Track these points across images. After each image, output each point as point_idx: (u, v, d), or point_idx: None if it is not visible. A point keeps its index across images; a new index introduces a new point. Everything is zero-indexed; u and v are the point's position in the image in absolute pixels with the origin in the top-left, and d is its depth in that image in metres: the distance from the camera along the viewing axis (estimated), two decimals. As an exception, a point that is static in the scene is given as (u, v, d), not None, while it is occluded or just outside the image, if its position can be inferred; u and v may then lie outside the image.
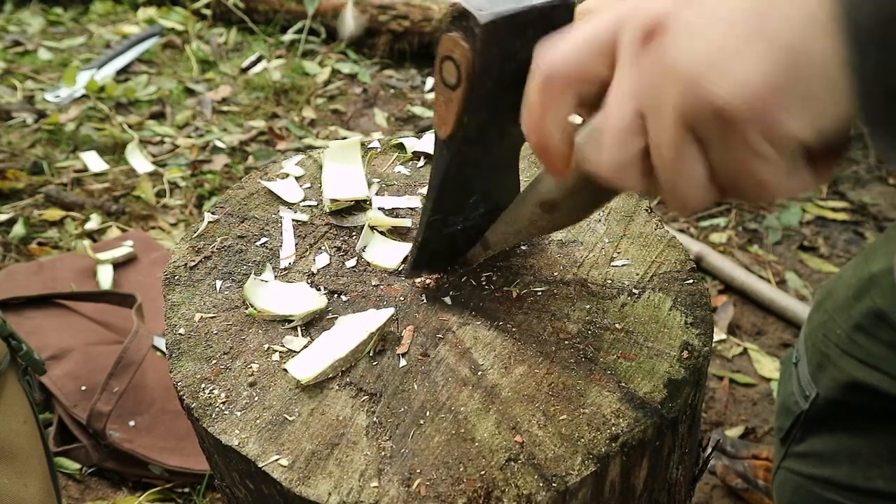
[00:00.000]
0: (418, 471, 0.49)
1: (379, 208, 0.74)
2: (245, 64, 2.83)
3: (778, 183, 0.38)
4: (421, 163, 0.81)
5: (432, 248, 0.63)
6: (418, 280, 0.65)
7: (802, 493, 0.93)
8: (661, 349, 0.58)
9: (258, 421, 0.53)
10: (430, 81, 2.82)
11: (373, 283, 0.65)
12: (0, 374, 0.84)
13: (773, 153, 0.37)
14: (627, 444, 0.51)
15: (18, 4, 3.28)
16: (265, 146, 2.36)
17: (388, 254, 0.68)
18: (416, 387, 0.55)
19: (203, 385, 0.56)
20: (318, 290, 0.64)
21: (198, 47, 2.93)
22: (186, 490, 1.35)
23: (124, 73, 2.77)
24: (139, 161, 2.21)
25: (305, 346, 0.58)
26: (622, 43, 0.40)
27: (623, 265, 0.66)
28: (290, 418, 0.53)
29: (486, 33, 0.47)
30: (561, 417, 0.53)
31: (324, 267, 0.67)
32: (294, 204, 0.75)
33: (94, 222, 1.96)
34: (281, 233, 0.71)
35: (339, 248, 0.69)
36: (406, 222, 0.71)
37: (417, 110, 2.64)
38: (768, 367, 1.68)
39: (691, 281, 0.65)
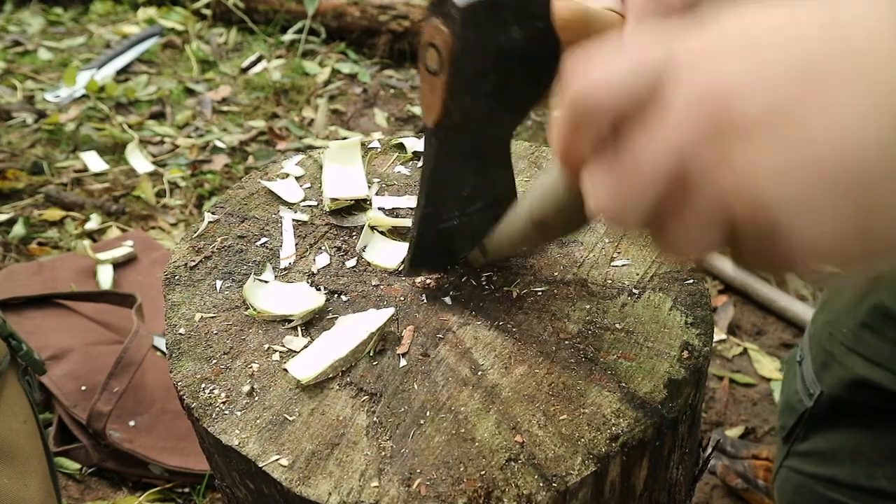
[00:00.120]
0: (418, 471, 0.49)
1: (379, 208, 0.74)
2: (245, 64, 2.83)
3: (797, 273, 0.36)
4: (421, 163, 0.81)
5: (429, 246, 0.63)
6: (418, 280, 0.65)
7: (804, 493, 0.93)
8: (662, 349, 0.58)
9: (258, 421, 0.53)
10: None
11: (373, 283, 0.65)
12: (0, 374, 0.84)
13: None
14: (627, 444, 0.51)
15: (18, 4, 3.28)
16: (265, 146, 2.36)
17: (389, 254, 0.68)
18: (416, 387, 0.55)
19: (203, 385, 0.56)
20: (318, 290, 0.64)
21: (198, 47, 2.93)
22: (186, 490, 1.35)
23: (124, 73, 2.77)
24: (139, 161, 2.21)
25: (305, 346, 0.58)
26: (679, 93, 0.34)
27: (623, 265, 0.66)
28: (291, 418, 0.53)
29: (465, 18, 0.49)
30: (561, 417, 0.53)
31: (324, 267, 0.67)
32: (294, 204, 0.75)
33: (94, 222, 1.96)
34: (281, 233, 0.71)
35: (339, 248, 0.69)
36: (406, 222, 0.71)
37: (417, 110, 2.64)
38: (768, 367, 1.68)
39: (691, 281, 0.65)
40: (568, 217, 0.50)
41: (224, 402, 0.54)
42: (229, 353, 0.59)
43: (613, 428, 0.52)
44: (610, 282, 0.65)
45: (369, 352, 0.58)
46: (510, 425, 0.52)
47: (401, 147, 0.84)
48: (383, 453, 0.51)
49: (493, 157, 0.62)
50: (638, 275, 0.65)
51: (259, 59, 2.86)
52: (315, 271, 0.66)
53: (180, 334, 0.60)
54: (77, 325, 1.52)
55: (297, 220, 0.72)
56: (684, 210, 0.36)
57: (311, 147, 2.32)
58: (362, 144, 0.83)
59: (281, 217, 0.73)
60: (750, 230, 0.34)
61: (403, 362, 0.57)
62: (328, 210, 0.73)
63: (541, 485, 0.49)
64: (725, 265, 1.86)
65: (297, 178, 0.78)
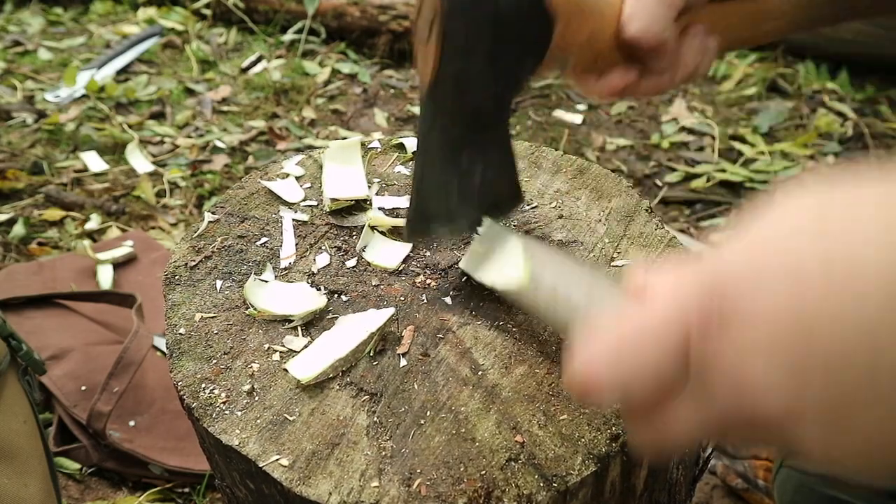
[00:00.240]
0: (419, 471, 0.49)
1: (379, 208, 0.74)
2: (245, 64, 2.83)
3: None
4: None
5: (427, 208, 0.62)
6: (419, 280, 0.65)
7: (805, 492, 0.93)
8: (662, 349, 0.57)
9: (258, 421, 0.53)
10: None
11: (373, 283, 0.65)
12: (0, 374, 0.84)
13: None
14: (628, 444, 0.51)
15: (18, 4, 3.27)
16: (265, 146, 2.36)
17: (389, 254, 0.68)
18: (416, 387, 0.55)
19: (203, 385, 0.56)
20: (319, 289, 0.64)
21: (198, 47, 2.93)
22: (186, 490, 1.35)
23: (124, 73, 2.77)
24: (139, 161, 2.21)
25: (306, 346, 0.58)
26: (711, 385, 0.33)
27: (623, 265, 0.66)
28: (291, 418, 0.53)
29: None
30: (561, 417, 0.53)
31: (324, 267, 0.67)
32: (294, 204, 0.75)
33: (94, 222, 1.96)
34: (281, 233, 0.71)
35: (339, 248, 0.69)
36: (406, 222, 0.71)
37: (417, 110, 2.64)
38: (768, 367, 1.68)
39: (692, 281, 0.64)
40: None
41: (224, 402, 0.54)
42: (229, 353, 0.59)
43: (614, 428, 0.52)
44: (610, 282, 0.65)
45: (369, 352, 0.58)
46: (510, 425, 0.52)
47: (401, 147, 0.84)
48: (383, 453, 0.51)
49: (491, 125, 0.61)
50: (638, 275, 0.65)
51: (259, 59, 2.85)
52: (315, 271, 0.66)
53: (180, 334, 0.60)
54: (77, 325, 1.52)
55: (298, 220, 0.72)
56: (681, 433, 0.35)
57: (311, 147, 2.32)
58: (362, 144, 0.83)
59: (281, 217, 0.73)
60: (761, 437, 0.33)
61: (403, 362, 0.57)
62: (328, 210, 0.73)
63: (541, 485, 0.49)
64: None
65: (297, 178, 0.78)
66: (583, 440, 0.51)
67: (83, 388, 1.37)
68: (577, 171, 0.79)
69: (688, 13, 0.59)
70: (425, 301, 0.63)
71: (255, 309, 0.62)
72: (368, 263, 0.67)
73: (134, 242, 1.80)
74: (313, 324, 0.61)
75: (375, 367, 0.57)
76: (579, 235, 0.70)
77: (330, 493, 0.48)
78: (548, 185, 0.76)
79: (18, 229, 1.91)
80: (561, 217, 0.72)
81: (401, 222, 0.71)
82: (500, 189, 0.60)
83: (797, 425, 0.30)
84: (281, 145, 2.35)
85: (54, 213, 1.99)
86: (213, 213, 0.74)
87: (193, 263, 0.67)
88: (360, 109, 2.62)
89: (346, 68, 2.83)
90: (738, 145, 2.29)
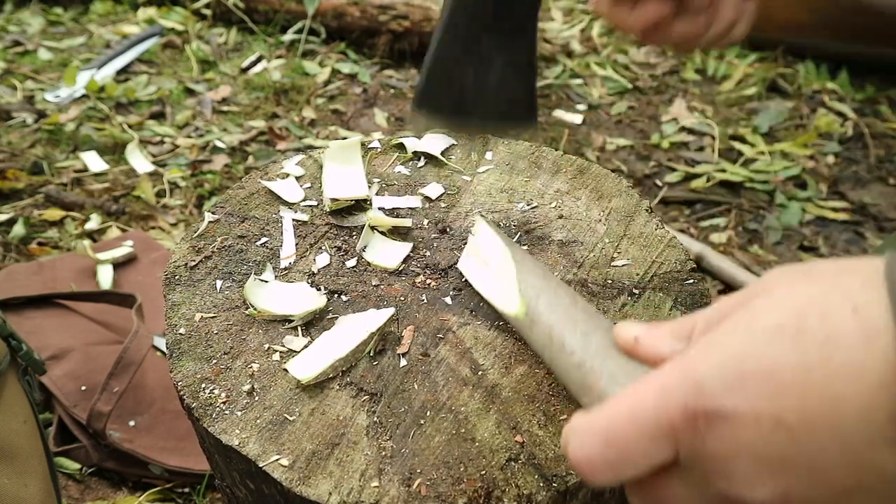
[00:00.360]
0: (419, 471, 0.49)
1: (379, 208, 0.74)
2: (245, 64, 2.83)
3: None
4: (421, 163, 0.81)
5: (439, 85, 0.61)
6: (419, 280, 0.65)
7: None
8: (662, 349, 0.57)
9: (258, 421, 0.53)
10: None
11: (373, 283, 0.65)
12: (0, 374, 0.84)
13: None
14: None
15: (18, 4, 3.27)
16: (265, 146, 2.36)
17: (389, 254, 0.68)
18: (416, 387, 0.55)
19: (203, 385, 0.56)
20: (319, 289, 0.64)
21: (198, 47, 2.93)
22: (186, 490, 1.35)
23: (124, 73, 2.77)
24: (139, 161, 2.21)
25: (306, 346, 0.58)
26: (687, 444, 0.34)
27: (623, 265, 0.66)
28: (291, 418, 0.53)
29: None
30: (561, 417, 0.53)
31: (324, 267, 0.67)
32: (294, 204, 0.75)
33: (94, 222, 1.96)
34: (281, 233, 0.71)
35: (339, 248, 0.69)
36: (406, 222, 0.71)
37: (417, 110, 2.63)
38: (768, 367, 1.68)
39: (691, 281, 0.65)
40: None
41: (224, 402, 0.54)
42: (229, 353, 0.59)
43: (613, 428, 0.52)
44: (610, 282, 0.65)
45: (369, 352, 0.58)
46: (510, 425, 0.52)
47: (401, 147, 0.84)
48: (383, 453, 0.51)
49: (514, 30, 0.60)
50: (638, 275, 0.65)
51: (259, 59, 2.85)
52: (315, 271, 0.66)
53: (180, 334, 0.60)
54: (77, 325, 1.52)
55: (298, 220, 0.72)
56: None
57: (311, 147, 2.32)
58: (362, 144, 0.83)
59: (281, 217, 0.73)
60: None
61: (403, 362, 0.57)
62: (328, 210, 0.73)
63: (541, 485, 0.49)
64: (725, 265, 1.86)
65: (297, 178, 0.78)
66: (583, 440, 0.51)
67: (83, 388, 1.37)
68: (577, 171, 0.79)
69: None
70: (425, 301, 0.63)
71: (255, 309, 0.62)
72: (368, 263, 0.67)
73: (134, 242, 1.80)
74: (313, 324, 0.61)
75: (375, 367, 0.57)
76: (579, 235, 0.70)
77: (330, 493, 0.48)
78: (548, 185, 0.76)
79: (18, 229, 1.91)
80: (561, 217, 0.72)
81: (401, 222, 0.71)
82: (516, 95, 0.58)
83: None
84: (281, 145, 2.35)
85: (54, 213, 1.99)
86: (213, 213, 0.74)
87: (193, 263, 0.67)
88: (360, 109, 2.62)
89: (346, 68, 2.83)
90: (738, 145, 2.29)
